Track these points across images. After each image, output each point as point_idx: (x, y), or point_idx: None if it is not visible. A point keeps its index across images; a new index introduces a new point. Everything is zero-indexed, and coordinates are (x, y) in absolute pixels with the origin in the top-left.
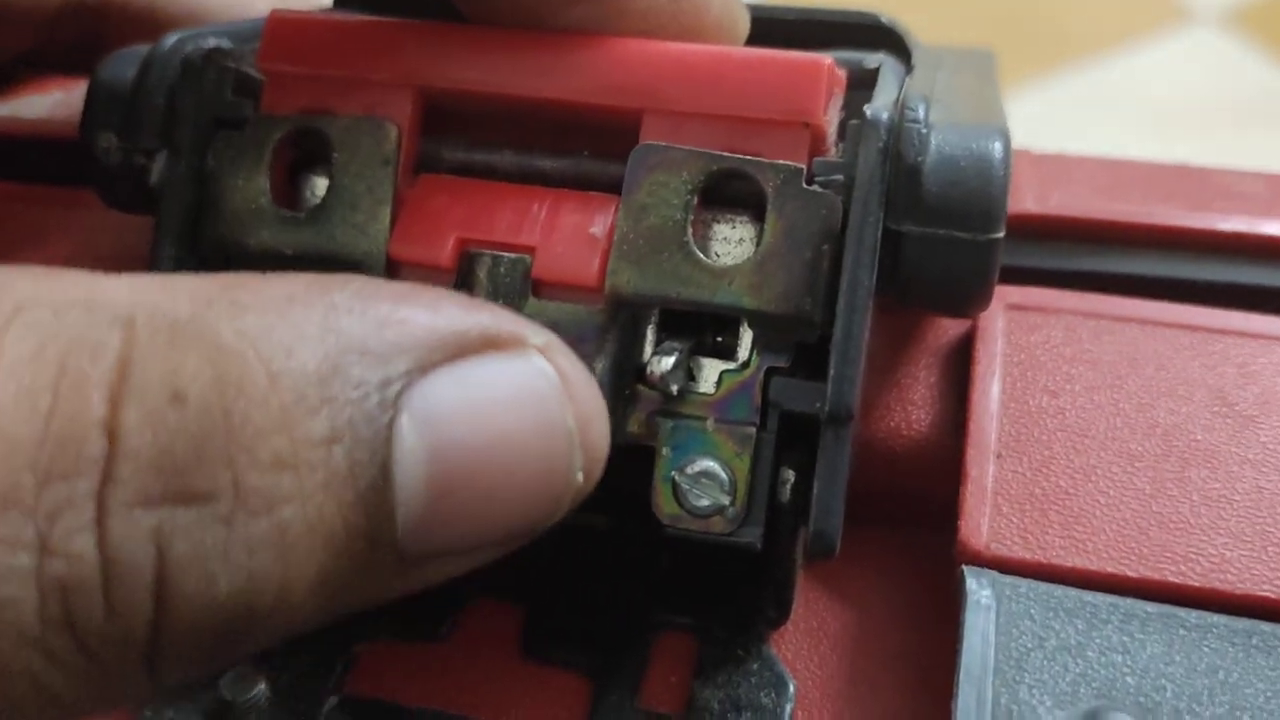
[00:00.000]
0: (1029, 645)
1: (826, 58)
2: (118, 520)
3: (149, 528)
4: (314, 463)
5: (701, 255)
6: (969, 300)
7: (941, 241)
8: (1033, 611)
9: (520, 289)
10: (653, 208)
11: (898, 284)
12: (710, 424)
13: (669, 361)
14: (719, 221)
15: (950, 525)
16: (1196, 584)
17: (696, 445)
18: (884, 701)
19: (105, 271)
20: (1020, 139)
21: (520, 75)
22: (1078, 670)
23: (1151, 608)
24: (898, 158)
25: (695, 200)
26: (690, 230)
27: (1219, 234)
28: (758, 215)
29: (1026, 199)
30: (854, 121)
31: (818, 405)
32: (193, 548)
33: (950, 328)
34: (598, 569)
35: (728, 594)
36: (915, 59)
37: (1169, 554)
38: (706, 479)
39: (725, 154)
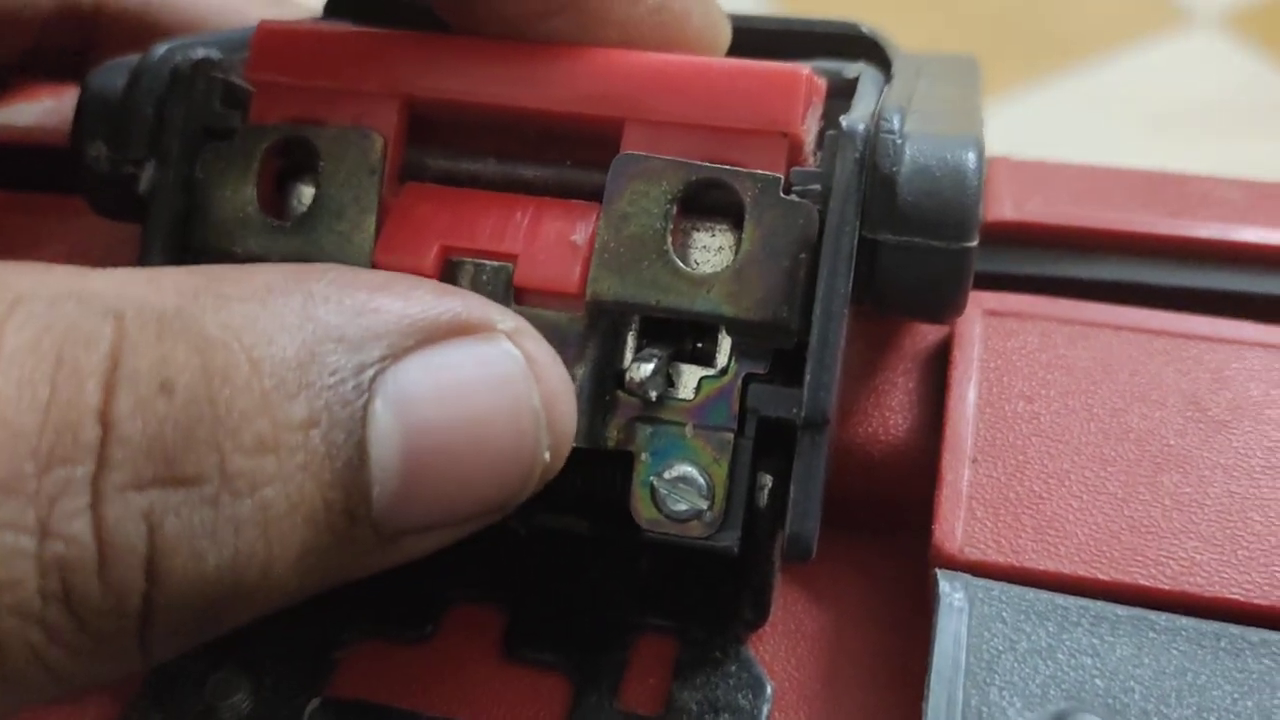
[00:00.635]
0: (1000, 647)
1: (805, 68)
2: (112, 503)
3: (141, 510)
4: (293, 445)
5: (681, 263)
6: (943, 307)
7: (916, 250)
8: (1005, 614)
9: (503, 296)
10: (633, 216)
11: (874, 292)
12: (689, 430)
13: (648, 368)
14: (698, 230)
15: (926, 529)
16: (1167, 587)
17: (675, 451)
18: (859, 702)
19: None
20: (1018, 142)
21: (504, 85)
22: (1048, 672)
23: (1122, 610)
24: (873, 168)
25: (675, 209)
26: (670, 239)
27: (1194, 240)
28: (737, 224)
29: (1004, 205)
30: (831, 132)
31: (795, 411)
32: (182, 527)
33: (928, 334)
34: (578, 572)
35: (706, 597)
36: (895, 68)
37: (1140, 557)
38: (685, 484)
39: (704, 164)
